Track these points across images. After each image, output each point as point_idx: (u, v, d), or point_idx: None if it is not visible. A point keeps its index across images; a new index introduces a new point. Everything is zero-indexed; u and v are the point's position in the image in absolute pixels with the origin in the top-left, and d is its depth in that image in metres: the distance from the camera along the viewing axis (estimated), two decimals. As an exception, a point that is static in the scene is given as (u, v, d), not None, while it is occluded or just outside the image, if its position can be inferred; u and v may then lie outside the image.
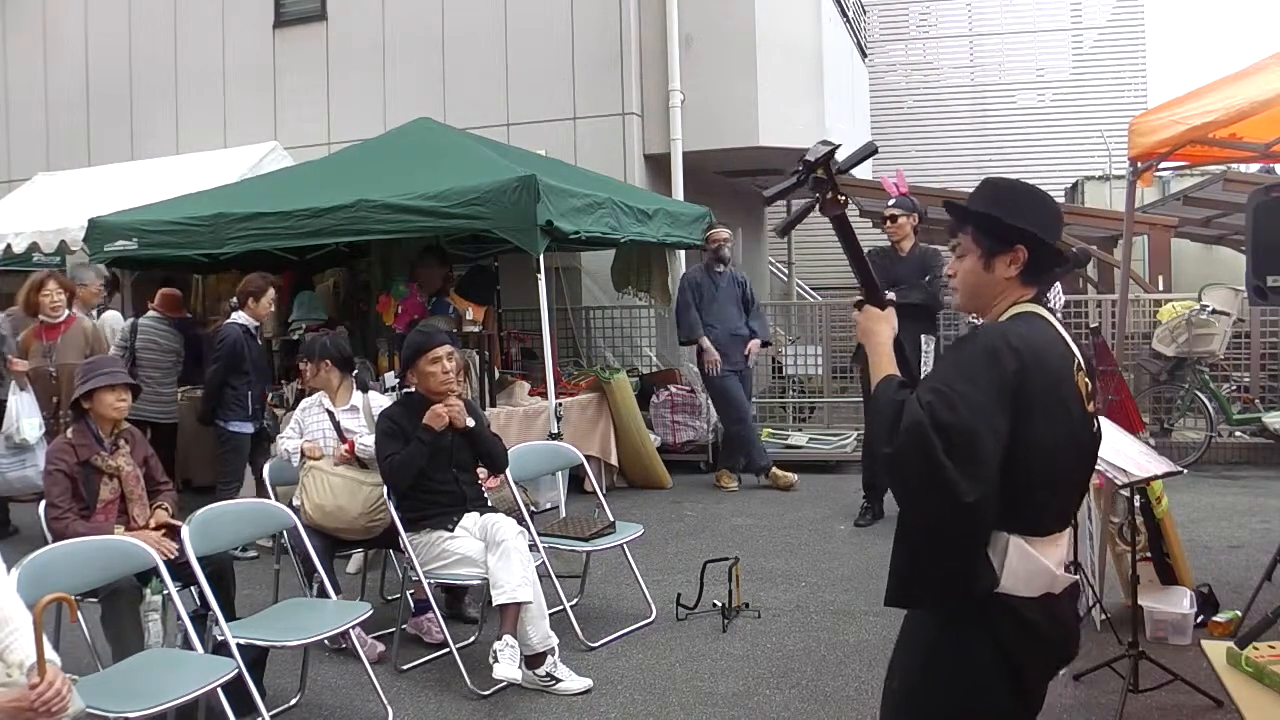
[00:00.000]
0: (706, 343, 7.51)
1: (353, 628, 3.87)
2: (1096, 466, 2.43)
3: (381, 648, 4.42)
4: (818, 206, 2.19)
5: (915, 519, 1.95)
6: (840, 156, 2.21)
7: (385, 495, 4.36)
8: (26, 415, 5.98)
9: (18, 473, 6.03)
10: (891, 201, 6.58)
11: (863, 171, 11.56)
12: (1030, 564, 1.93)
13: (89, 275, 6.89)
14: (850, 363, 8.66)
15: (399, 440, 4.27)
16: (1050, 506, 1.97)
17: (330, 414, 4.87)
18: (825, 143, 2.19)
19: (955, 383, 1.86)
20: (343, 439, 4.82)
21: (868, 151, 2.28)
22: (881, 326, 2.12)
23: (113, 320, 7.38)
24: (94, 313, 7.08)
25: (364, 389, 5.15)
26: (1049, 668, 2.08)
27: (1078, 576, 2.12)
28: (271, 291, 6.31)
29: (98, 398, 4.11)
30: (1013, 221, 2.03)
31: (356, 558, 5.50)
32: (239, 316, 6.20)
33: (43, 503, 4.15)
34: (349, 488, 4.54)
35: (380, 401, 5.02)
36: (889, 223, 6.60)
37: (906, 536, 1.99)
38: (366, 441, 4.67)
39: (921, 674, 2.03)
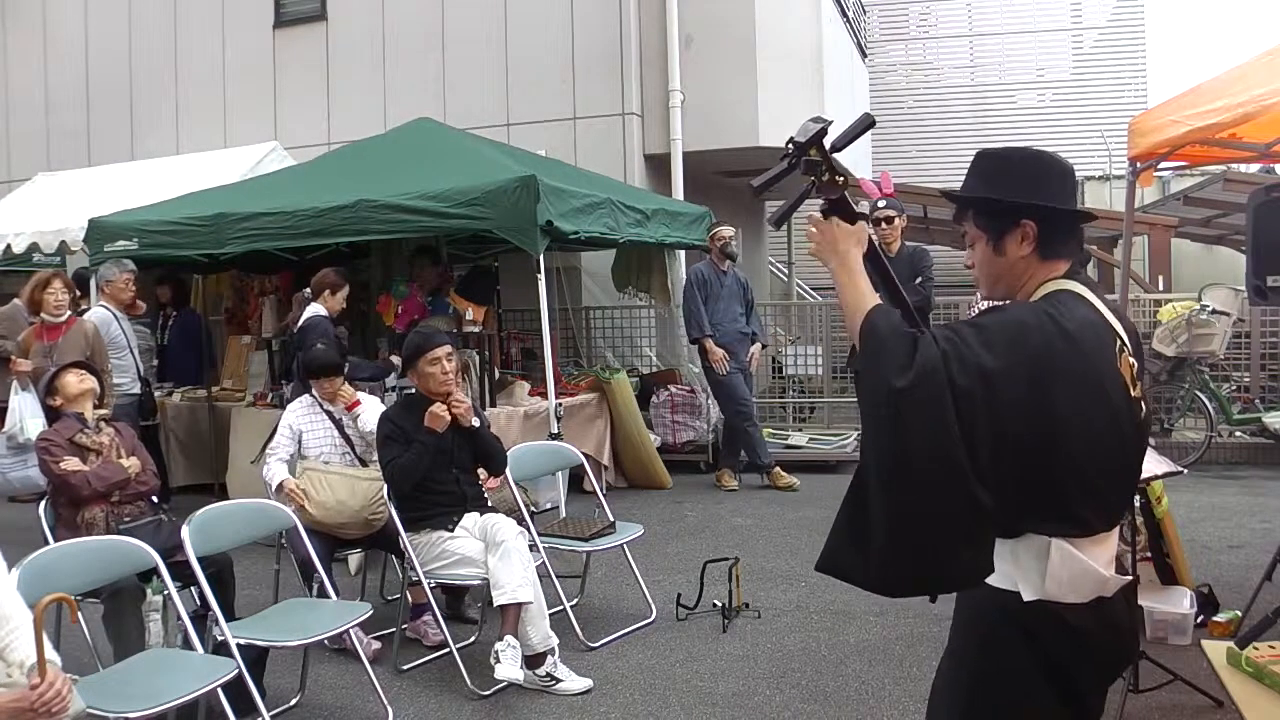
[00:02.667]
0: (711, 344, 7.52)
1: (352, 628, 3.87)
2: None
3: (378, 645, 4.42)
4: (814, 190, 1.96)
5: (896, 465, 1.71)
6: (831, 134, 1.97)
7: (385, 493, 4.36)
8: (31, 415, 5.97)
9: (20, 473, 6.02)
10: (883, 203, 6.56)
11: (862, 170, 11.57)
12: (1074, 566, 1.77)
13: (113, 271, 6.81)
14: (847, 363, 8.65)
15: (400, 443, 4.27)
16: (1090, 502, 1.79)
17: (330, 414, 4.87)
18: (816, 119, 1.95)
19: (974, 346, 1.69)
20: (347, 440, 4.82)
21: (864, 124, 1.98)
22: (852, 245, 1.89)
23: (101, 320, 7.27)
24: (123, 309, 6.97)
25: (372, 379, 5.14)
26: (1105, 674, 1.92)
27: (1132, 576, 1.95)
28: (348, 288, 6.35)
29: (62, 386, 4.29)
30: (1009, 198, 1.89)
31: (355, 558, 5.50)
32: (317, 308, 6.19)
33: (42, 503, 4.17)
34: (348, 484, 4.56)
35: (371, 401, 5.03)
36: (884, 225, 6.60)
37: (868, 489, 1.76)
38: (370, 418, 4.72)
39: (970, 688, 1.90)
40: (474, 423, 4.38)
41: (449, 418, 4.28)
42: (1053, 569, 1.77)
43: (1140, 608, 3.87)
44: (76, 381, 4.31)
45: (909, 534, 1.72)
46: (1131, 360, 1.86)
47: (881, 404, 1.70)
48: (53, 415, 4.33)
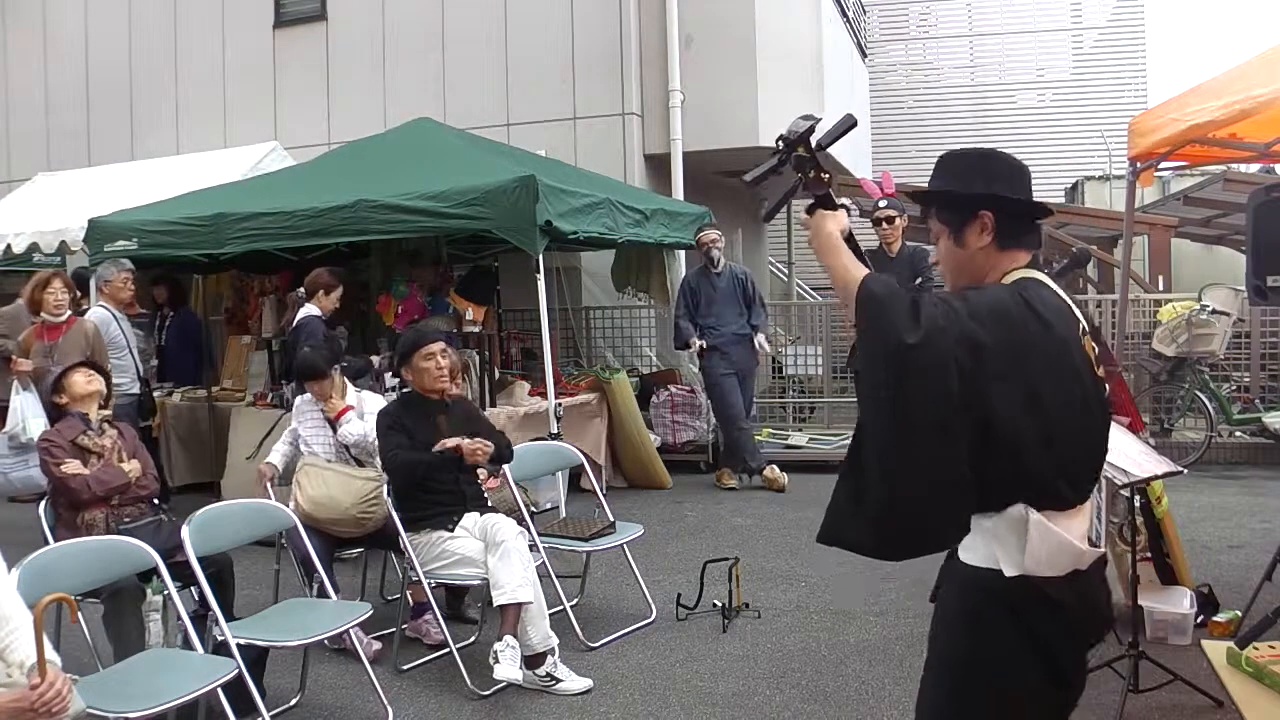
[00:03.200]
0: (693, 340, 7.55)
1: (352, 628, 3.87)
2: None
3: (378, 645, 4.42)
4: (801, 186, 2.08)
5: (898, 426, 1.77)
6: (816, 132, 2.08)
7: (384, 493, 4.37)
8: (33, 415, 5.96)
9: (21, 473, 6.02)
10: (884, 203, 6.57)
11: (862, 170, 11.57)
12: (1052, 540, 1.83)
13: (111, 270, 6.82)
14: (847, 363, 8.64)
15: (400, 434, 4.29)
16: (1065, 476, 1.86)
17: (325, 414, 4.88)
18: (806, 117, 2.07)
19: (964, 317, 1.76)
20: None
21: (847, 124, 2.12)
22: (830, 224, 2.02)
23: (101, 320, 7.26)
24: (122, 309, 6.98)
25: (354, 377, 5.16)
26: (1082, 647, 1.99)
27: (1105, 549, 2.04)
28: (341, 288, 6.36)
29: (70, 385, 4.28)
30: (967, 189, 1.99)
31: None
32: (310, 309, 6.21)
33: (42, 503, 4.17)
34: (343, 481, 4.57)
35: (373, 399, 5.03)
36: (885, 224, 6.58)
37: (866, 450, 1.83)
38: (352, 429, 4.75)
39: (961, 676, 1.95)
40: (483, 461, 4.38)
41: (481, 459, 4.27)
42: (1031, 545, 1.83)
43: (1141, 608, 3.87)
44: (84, 382, 4.30)
45: (905, 492, 1.78)
46: (1093, 344, 1.95)
47: (892, 361, 1.74)
48: (56, 413, 4.32)
